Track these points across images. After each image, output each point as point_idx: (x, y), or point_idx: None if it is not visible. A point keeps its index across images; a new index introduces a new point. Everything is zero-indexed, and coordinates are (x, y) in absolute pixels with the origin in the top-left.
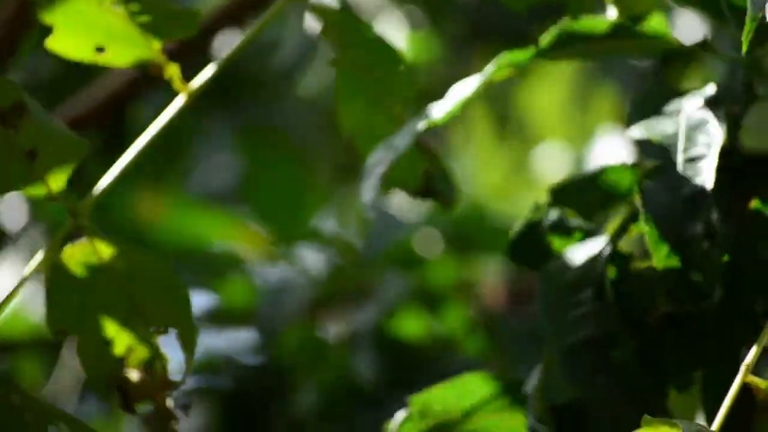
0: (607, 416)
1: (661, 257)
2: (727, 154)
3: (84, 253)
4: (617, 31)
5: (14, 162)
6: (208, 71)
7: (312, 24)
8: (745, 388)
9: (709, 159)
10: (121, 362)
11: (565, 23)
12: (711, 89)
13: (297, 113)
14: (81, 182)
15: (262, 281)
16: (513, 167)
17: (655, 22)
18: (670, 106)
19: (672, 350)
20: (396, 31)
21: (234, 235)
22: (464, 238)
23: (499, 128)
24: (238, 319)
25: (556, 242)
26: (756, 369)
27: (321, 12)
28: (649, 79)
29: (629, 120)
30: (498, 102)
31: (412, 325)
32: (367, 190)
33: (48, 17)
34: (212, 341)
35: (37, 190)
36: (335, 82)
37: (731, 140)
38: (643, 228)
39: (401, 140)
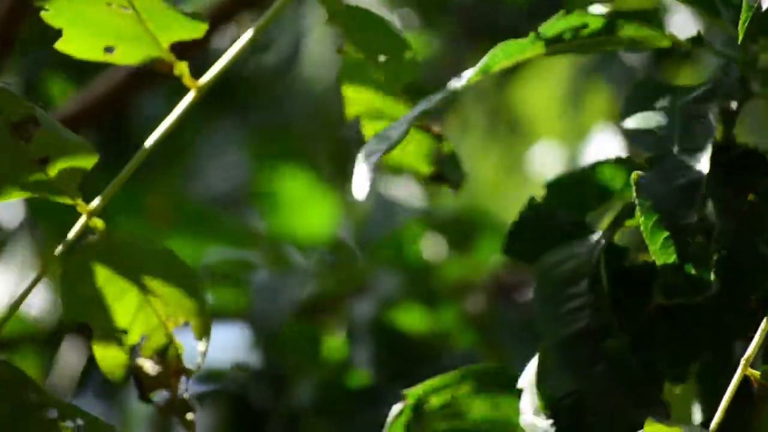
0: (602, 408)
1: (657, 248)
2: (723, 149)
3: (97, 248)
4: (611, 25)
5: (27, 170)
6: (216, 68)
7: (305, 21)
8: (744, 382)
9: (704, 150)
10: (135, 352)
11: (560, 17)
12: (706, 84)
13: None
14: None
15: (259, 279)
16: (507, 166)
17: (649, 17)
18: (666, 99)
19: (666, 342)
20: None
21: (235, 238)
22: (460, 234)
23: (493, 127)
24: (235, 317)
25: (551, 236)
26: (753, 363)
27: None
28: (643, 75)
29: (624, 112)
30: (492, 101)
31: (409, 320)
32: (360, 179)
33: (55, 20)
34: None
35: (51, 196)
36: (340, 68)
37: (727, 136)
38: (638, 219)
39: (396, 130)
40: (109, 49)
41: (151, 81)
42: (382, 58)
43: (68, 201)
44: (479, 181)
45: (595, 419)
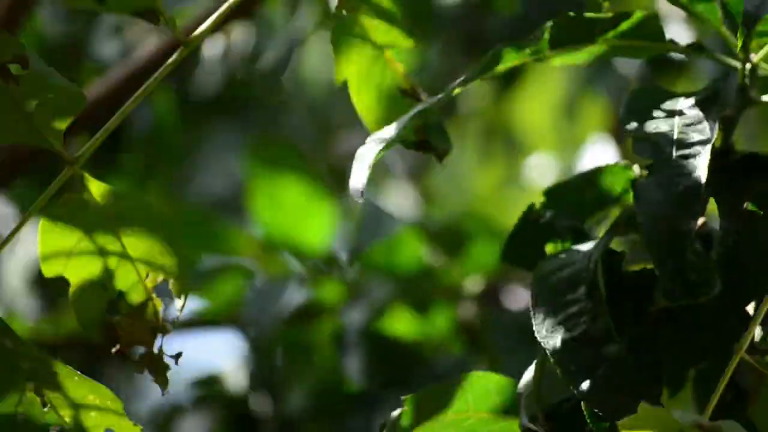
0: (600, 413)
1: (656, 254)
2: (722, 155)
3: (79, 200)
4: (610, 31)
5: (14, 114)
6: (205, 24)
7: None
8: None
9: (703, 156)
10: (113, 306)
11: (558, 23)
12: (705, 91)
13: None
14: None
15: (252, 286)
16: (503, 178)
17: (649, 24)
18: (664, 105)
19: (668, 346)
20: None
21: (230, 244)
22: (452, 242)
23: (489, 141)
24: (228, 323)
25: (550, 242)
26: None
27: None
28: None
29: (623, 118)
30: (488, 116)
31: (401, 327)
32: (356, 181)
33: None
34: (201, 344)
35: (37, 141)
36: (332, 34)
37: (725, 142)
38: (637, 225)
39: (389, 133)
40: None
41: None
42: (372, 20)
43: (53, 148)
44: (475, 194)
45: (593, 424)
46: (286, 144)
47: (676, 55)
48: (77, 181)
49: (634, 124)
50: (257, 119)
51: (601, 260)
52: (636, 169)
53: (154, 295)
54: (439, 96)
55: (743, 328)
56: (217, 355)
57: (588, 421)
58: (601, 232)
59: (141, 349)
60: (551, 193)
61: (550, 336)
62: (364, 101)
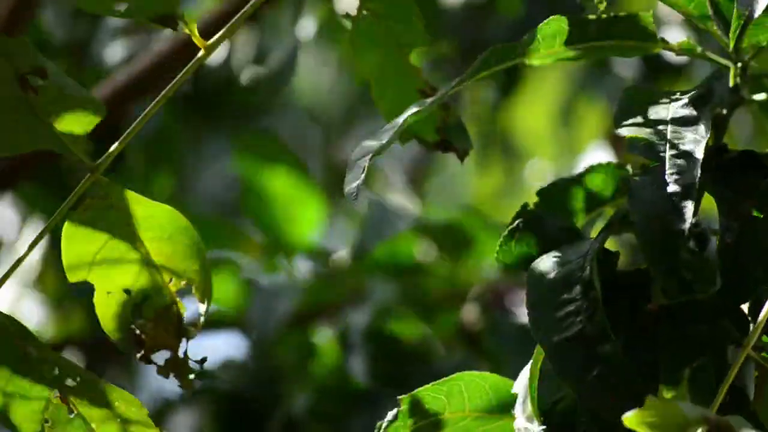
0: (595, 413)
1: (649, 252)
2: (715, 154)
3: (100, 206)
4: (604, 30)
5: (34, 122)
6: (224, 29)
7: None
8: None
9: (697, 155)
10: (136, 312)
11: (552, 23)
12: (698, 90)
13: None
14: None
15: (255, 287)
16: (501, 184)
17: (640, 24)
18: (657, 105)
19: (665, 344)
20: None
21: (230, 244)
22: (454, 242)
23: (488, 148)
24: (232, 323)
25: (544, 243)
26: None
27: None
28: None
29: (617, 119)
30: (486, 124)
31: (403, 327)
32: (352, 183)
33: None
34: (207, 344)
35: (57, 148)
36: (351, 33)
37: (718, 141)
38: (631, 224)
39: (385, 134)
40: (120, 5)
41: (148, 90)
42: (391, 21)
43: (75, 155)
44: (475, 200)
45: (589, 424)
46: (272, 138)
47: (674, 59)
48: (98, 187)
49: (627, 124)
50: (258, 121)
51: (596, 259)
52: (629, 168)
53: (177, 299)
54: (434, 98)
55: (742, 325)
56: (217, 355)
57: (583, 420)
58: (595, 231)
59: (166, 354)
60: (545, 193)
61: (545, 335)
62: (386, 102)
